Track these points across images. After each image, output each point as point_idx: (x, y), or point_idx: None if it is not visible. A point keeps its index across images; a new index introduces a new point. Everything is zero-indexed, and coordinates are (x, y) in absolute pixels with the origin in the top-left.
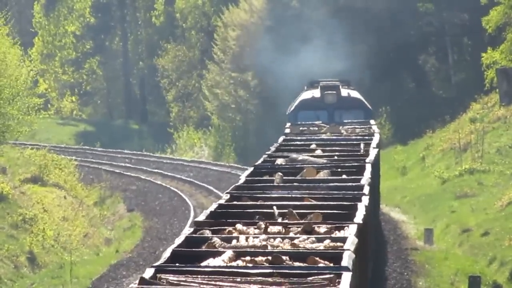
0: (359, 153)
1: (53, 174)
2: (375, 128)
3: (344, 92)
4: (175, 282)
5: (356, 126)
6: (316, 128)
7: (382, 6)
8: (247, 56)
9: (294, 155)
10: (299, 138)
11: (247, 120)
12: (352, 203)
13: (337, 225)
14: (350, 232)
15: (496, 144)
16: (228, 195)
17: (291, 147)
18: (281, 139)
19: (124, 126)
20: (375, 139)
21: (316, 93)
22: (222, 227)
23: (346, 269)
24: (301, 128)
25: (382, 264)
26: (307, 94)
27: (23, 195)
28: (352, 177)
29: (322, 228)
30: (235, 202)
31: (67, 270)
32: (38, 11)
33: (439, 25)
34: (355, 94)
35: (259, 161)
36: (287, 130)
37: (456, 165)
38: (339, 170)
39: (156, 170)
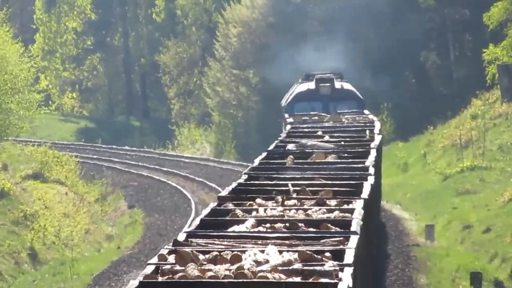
0: (364, 139)
1: (54, 171)
2: (371, 117)
3: (338, 84)
4: (204, 244)
5: (355, 115)
6: (317, 118)
7: (383, 2)
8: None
9: (303, 141)
10: (306, 125)
11: (248, 117)
12: (359, 182)
13: (346, 199)
14: (357, 205)
15: (498, 140)
16: (246, 175)
17: (300, 134)
18: (288, 127)
19: (125, 122)
20: (377, 126)
21: (311, 85)
22: (243, 201)
23: (354, 233)
24: (303, 118)
25: (383, 259)
26: (302, 87)
27: (24, 191)
28: (358, 160)
29: (333, 202)
30: (252, 181)
31: (68, 267)
32: (39, 7)
33: (441, 21)
34: (347, 86)
35: (271, 147)
36: (290, 120)
37: (457, 162)
38: (346, 154)
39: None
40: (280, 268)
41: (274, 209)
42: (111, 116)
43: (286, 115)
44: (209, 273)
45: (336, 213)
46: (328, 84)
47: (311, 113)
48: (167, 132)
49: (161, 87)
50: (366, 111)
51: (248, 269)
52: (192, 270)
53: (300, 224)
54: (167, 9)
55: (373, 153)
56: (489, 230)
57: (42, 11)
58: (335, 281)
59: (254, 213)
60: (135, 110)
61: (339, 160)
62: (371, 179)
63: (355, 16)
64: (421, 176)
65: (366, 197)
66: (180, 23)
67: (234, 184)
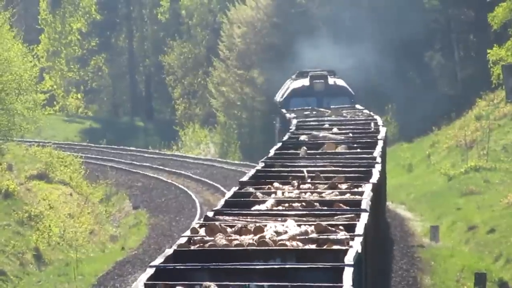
0: (370, 131)
1: (58, 171)
2: (366, 111)
3: (331, 80)
4: (230, 220)
5: (352, 110)
6: (315, 112)
7: (388, 3)
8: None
9: (315, 133)
10: (313, 119)
11: (253, 117)
12: (368, 169)
13: (356, 184)
14: (366, 188)
15: (502, 141)
16: (263, 163)
17: (309, 126)
18: (295, 121)
19: (129, 123)
20: (379, 119)
21: (305, 82)
22: (262, 186)
23: (364, 210)
24: (305, 113)
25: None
26: (297, 83)
27: (29, 192)
28: (367, 150)
29: (344, 186)
30: (269, 169)
31: (72, 267)
32: (44, 8)
33: (445, 22)
34: (340, 82)
35: (285, 138)
36: (293, 115)
37: (462, 163)
38: (355, 145)
39: None
40: (298, 237)
41: (291, 192)
42: (116, 117)
43: (284, 110)
44: (235, 242)
45: (348, 195)
46: (322, 81)
47: (306, 108)
48: (172, 132)
49: (165, 87)
50: (358, 106)
51: (269, 238)
52: (220, 239)
53: (315, 204)
54: (172, 10)
55: (380, 143)
56: (494, 231)
57: (47, 11)
58: (346, 247)
59: (272, 195)
60: (140, 111)
61: (349, 151)
62: (378, 167)
63: (360, 16)
64: (425, 177)
65: (375, 181)
66: (185, 24)
67: (253, 171)
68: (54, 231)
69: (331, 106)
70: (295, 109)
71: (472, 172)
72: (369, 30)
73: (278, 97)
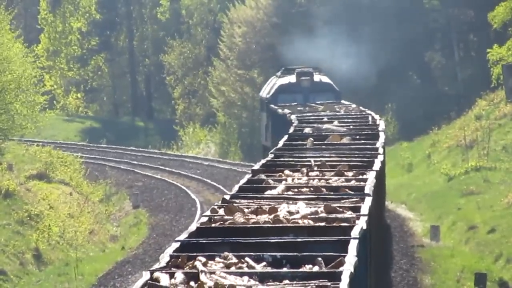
0: (369, 124)
1: (58, 171)
2: (354, 105)
3: (317, 77)
4: (245, 203)
5: (341, 105)
6: (308, 108)
7: (388, 3)
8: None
9: (319, 125)
10: (312, 114)
11: (253, 117)
12: (371, 158)
13: (360, 172)
14: (370, 175)
15: (502, 141)
16: (273, 155)
17: (310, 120)
18: (294, 116)
19: (130, 123)
20: (374, 114)
21: (292, 78)
22: (273, 173)
23: (368, 195)
24: (298, 108)
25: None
26: (283, 80)
27: (29, 191)
28: (370, 141)
29: (349, 173)
30: (279, 158)
31: (72, 267)
32: (44, 7)
33: (445, 21)
34: (325, 79)
35: (291, 130)
36: (286, 111)
37: (462, 162)
38: (358, 136)
39: None
40: (309, 216)
41: (300, 178)
42: (116, 117)
43: (275, 106)
44: (252, 220)
45: (353, 182)
46: (308, 78)
47: (298, 103)
48: (172, 132)
49: (165, 87)
50: (344, 102)
51: (283, 217)
52: (239, 218)
53: (322, 189)
54: (172, 9)
55: (382, 135)
56: (494, 231)
57: (47, 11)
58: (353, 224)
59: (283, 182)
60: (140, 111)
61: (353, 142)
62: (380, 157)
63: (360, 16)
64: (425, 177)
65: (378, 169)
66: (185, 23)
67: (263, 160)
68: (54, 231)
69: (317, 102)
70: (287, 104)
71: (472, 172)
72: (369, 30)
73: (264, 94)
